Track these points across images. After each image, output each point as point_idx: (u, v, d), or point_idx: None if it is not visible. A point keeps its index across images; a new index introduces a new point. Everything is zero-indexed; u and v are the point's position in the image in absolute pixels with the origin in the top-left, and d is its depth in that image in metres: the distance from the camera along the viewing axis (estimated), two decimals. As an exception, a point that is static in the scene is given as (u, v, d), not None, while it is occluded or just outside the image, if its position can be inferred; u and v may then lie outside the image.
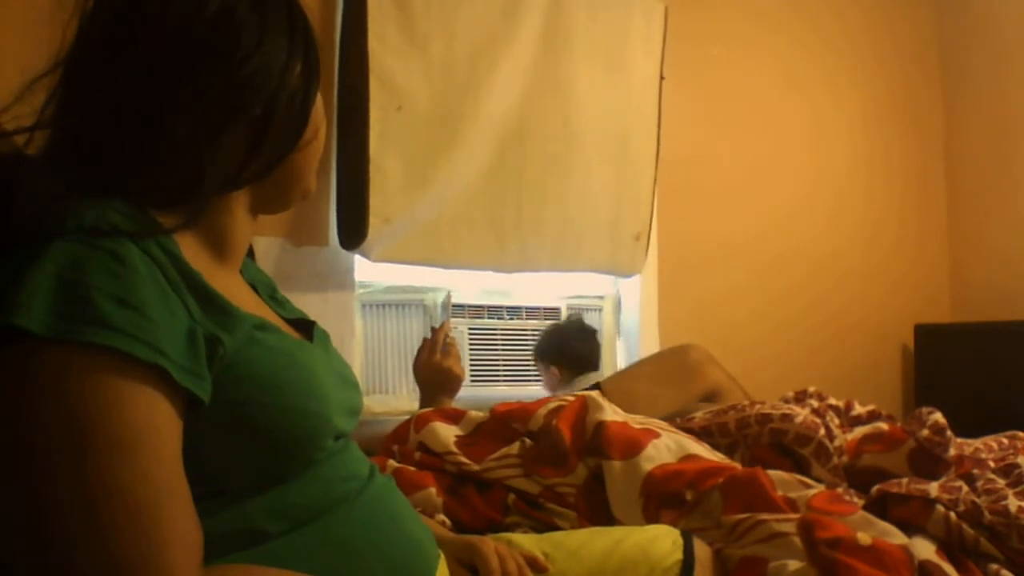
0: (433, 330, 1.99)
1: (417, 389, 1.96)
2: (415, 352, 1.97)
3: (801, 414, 1.45)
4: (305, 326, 0.90)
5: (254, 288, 0.89)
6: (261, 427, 0.70)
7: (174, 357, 0.63)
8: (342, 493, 0.77)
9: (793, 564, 1.03)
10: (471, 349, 2.50)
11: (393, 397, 2.32)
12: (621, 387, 1.97)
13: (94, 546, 0.58)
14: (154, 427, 0.62)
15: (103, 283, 0.62)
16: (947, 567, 1.09)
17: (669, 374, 2.00)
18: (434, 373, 1.86)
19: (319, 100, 0.83)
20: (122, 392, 0.61)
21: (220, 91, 0.73)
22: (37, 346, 0.59)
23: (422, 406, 1.83)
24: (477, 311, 2.55)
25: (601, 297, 2.78)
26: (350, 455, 0.82)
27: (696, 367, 1.98)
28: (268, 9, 0.77)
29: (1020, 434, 1.63)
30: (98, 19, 0.73)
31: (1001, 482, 1.32)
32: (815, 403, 1.63)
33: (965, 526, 1.15)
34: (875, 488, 1.27)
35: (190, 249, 0.73)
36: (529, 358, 2.57)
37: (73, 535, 0.58)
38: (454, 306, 2.51)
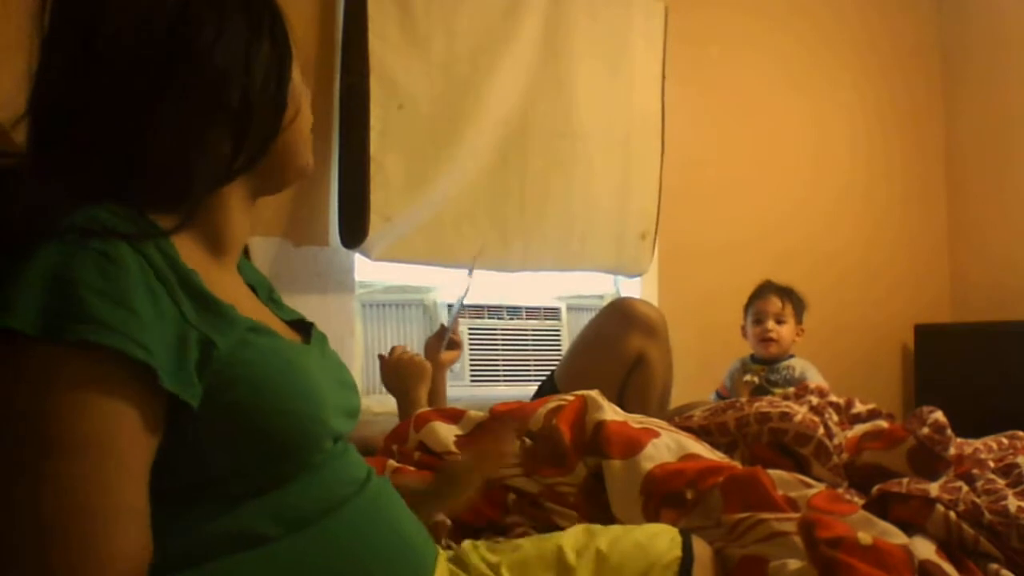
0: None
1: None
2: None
3: (800, 412, 1.45)
4: (303, 327, 0.90)
5: (253, 290, 0.89)
6: (258, 430, 0.70)
7: (161, 359, 0.63)
8: (340, 497, 0.76)
9: (794, 563, 1.03)
10: (471, 349, 2.50)
11: (392, 397, 2.32)
12: (566, 367, 2.02)
13: (37, 548, 0.58)
14: (124, 435, 0.62)
15: (93, 281, 0.62)
16: (947, 567, 1.09)
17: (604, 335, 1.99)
18: (400, 370, 1.86)
19: (297, 74, 0.82)
20: (96, 393, 0.61)
21: (193, 91, 0.72)
22: (27, 344, 0.60)
23: (402, 411, 1.84)
24: (477, 311, 2.55)
25: (601, 297, 2.78)
26: (348, 458, 0.82)
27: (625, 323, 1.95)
28: None
29: (1020, 434, 1.63)
30: (59, 42, 0.72)
31: (1001, 482, 1.32)
32: (815, 400, 1.63)
33: (965, 526, 1.15)
34: (876, 488, 1.27)
35: (186, 248, 0.73)
36: (528, 358, 2.57)
37: (22, 532, 0.59)
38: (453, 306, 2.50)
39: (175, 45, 0.72)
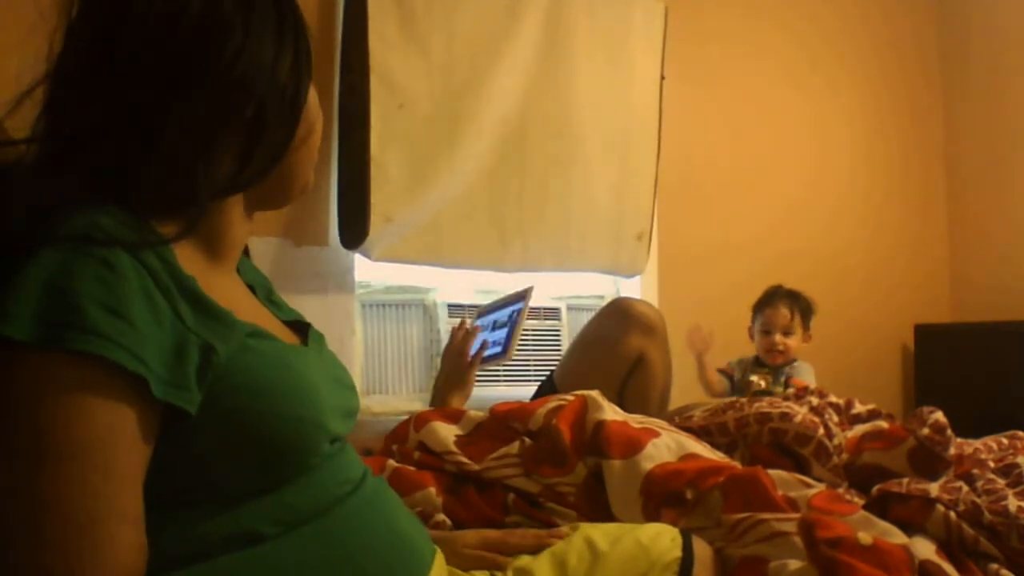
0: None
1: (416, 390, 1.95)
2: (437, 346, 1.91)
3: (800, 413, 1.45)
4: (300, 328, 0.89)
5: (251, 289, 0.89)
6: (258, 435, 0.70)
7: (156, 369, 0.63)
8: (336, 496, 0.77)
9: (794, 564, 1.03)
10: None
11: (393, 397, 2.32)
12: (566, 367, 2.03)
13: (29, 554, 0.59)
14: (117, 442, 0.62)
15: (91, 290, 0.61)
16: (947, 567, 1.09)
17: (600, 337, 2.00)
18: (458, 367, 1.85)
19: (313, 95, 0.81)
20: (90, 402, 0.61)
21: (209, 97, 0.71)
22: (23, 351, 0.60)
23: (437, 385, 1.85)
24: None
25: (601, 297, 2.78)
26: (345, 459, 0.82)
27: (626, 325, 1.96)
28: (254, 3, 0.74)
29: (1020, 434, 1.63)
30: (83, 31, 0.71)
31: (1001, 482, 1.32)
32: (815, 400, 1.63)
33: (965, 526, 1.15)
34: (876, 488, 1.27)
35: (184, 254, 0.72)
36: (528, 358, 2.57)
37: (15, 538, 0.59)
38: (454, 306, 2.50)
39: (200, 47, 0.71)
